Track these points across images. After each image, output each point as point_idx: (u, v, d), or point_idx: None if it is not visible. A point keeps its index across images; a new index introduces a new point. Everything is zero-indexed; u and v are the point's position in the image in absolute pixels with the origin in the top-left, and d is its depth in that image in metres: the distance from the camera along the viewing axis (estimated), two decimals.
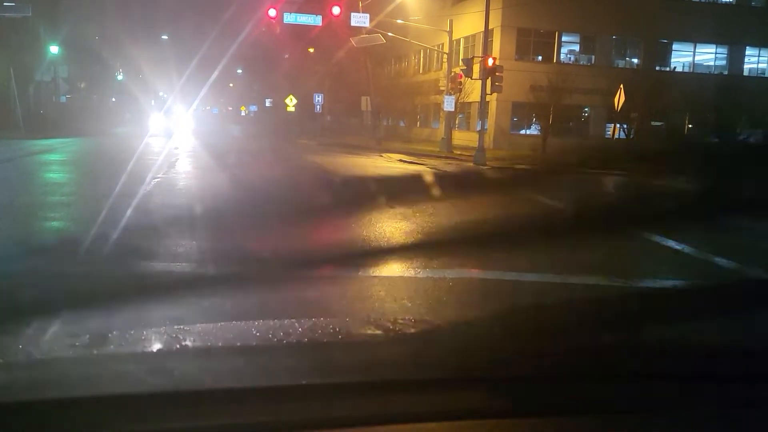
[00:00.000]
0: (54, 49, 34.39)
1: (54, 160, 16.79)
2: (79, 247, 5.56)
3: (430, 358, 1.18)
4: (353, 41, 27.08)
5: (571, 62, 31.98)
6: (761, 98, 28.09)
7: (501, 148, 28.44)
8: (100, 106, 46.16)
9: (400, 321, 1.52)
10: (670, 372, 1.19)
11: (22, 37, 32.09)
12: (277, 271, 3.93)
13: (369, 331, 1.47)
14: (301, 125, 42.18)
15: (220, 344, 1.18)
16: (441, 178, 15.94)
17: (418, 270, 5.30)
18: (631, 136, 28.98)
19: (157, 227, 6.78)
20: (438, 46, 31.51)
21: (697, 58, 33.52)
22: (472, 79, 24.22)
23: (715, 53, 33.46)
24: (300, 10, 27.25)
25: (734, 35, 31.23)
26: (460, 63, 27.46)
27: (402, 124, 42.34)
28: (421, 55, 39.88)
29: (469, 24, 29.62)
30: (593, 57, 32.19)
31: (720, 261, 6.14)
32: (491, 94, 23.04)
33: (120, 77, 49.88)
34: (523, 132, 31.58)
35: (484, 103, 22.64)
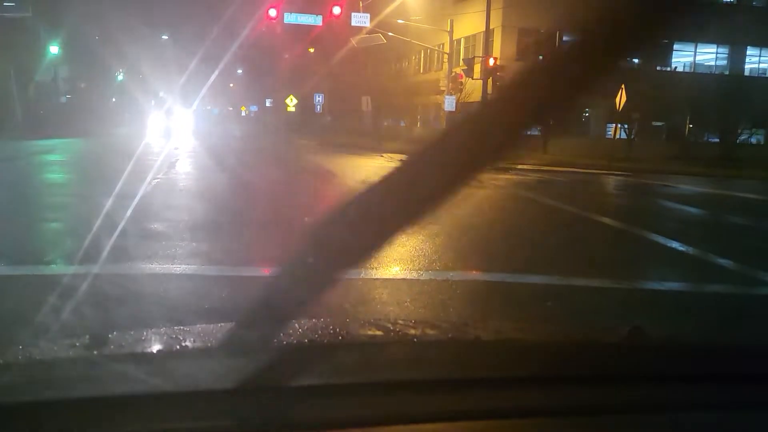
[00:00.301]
0: (54, 49, 34.41)
1: (54, 160, 16.80)
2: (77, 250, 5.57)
3: (430, 358, 1.18)
4: (354, 41, 27.10)
5: None
6: (762, 98, 28.05)
7: None
8: (101, 106, 46.14)
9: (401, 322, 1.51)
10: (670, 372, 1.19)
11: (22, 37, 32.09)
12: (278, 271, 3.93)
13: (369, 332, 1.47)
14: (301, 125, 42.19)
15: (220, 344, 1.18)
16: None
17: (421, 272, 5.31)
18: (632, 137, 29.00)
19: (157, 228, 6.79)
20: (438, 46, 31.52)
21: (698, 58, 33.53)
22: (473, 79, 24.26)
23: (716, 53, 33.46)
24: (300, 10, 27.27)
25: (735, 35, 31.22)
26: (461, 63, 27.48)
27: (402, 124, 42.36)
28: (422, 55, 39.91)
29: (469, 24, 29.63)
30: None
31: None
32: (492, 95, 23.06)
33: (120, 77, 49.90)
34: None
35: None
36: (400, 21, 28.53)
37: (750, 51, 33.52)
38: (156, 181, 11.31)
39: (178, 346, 1.17)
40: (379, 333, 1.41)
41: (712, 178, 20.69)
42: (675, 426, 1.09)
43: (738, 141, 30.38)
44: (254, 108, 69.96)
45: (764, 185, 18.95)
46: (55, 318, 3.28)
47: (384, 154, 24.00)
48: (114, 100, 53.09)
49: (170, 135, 26.71)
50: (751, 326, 4.08)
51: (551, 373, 1.14)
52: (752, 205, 14.49)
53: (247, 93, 68.59)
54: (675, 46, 33.10)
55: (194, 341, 1.21)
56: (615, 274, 5.51)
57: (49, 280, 4.53)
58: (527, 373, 1.14)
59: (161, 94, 49.61)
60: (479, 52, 26.10)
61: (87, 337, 1.18)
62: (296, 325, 1.30)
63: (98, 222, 6.63)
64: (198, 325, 1.37)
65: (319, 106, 40.40)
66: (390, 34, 26.73)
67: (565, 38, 0.78)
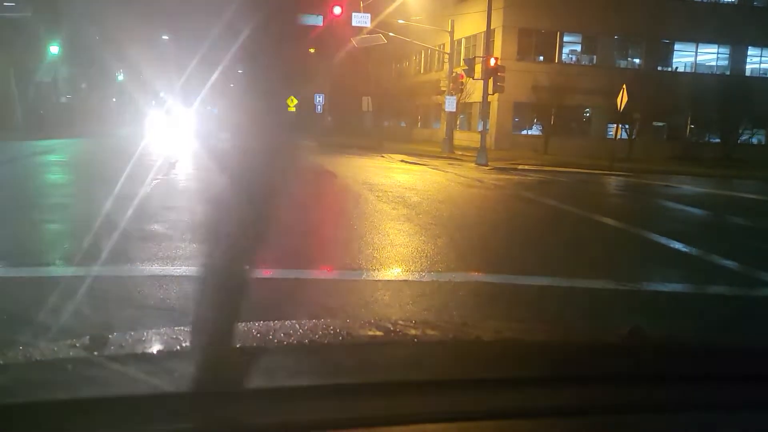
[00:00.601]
0: (54, 50, 34.39)
1: (54, 161, 16.80)
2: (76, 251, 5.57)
3: (430, 359, 1.18)
4: (354, 41, 27.10)
5: (572, 62, 32.01)
6: (763, 99, 28.07)
7: (503, 149, 28.48)
8: (101, 106, 46.17)
9: (401, 322, 1.51)
10: (670, 372, 1.19)
11: (22, 38, 32.11)
12: (278, 272, 3.93)
13: (370, 333, 1.47)
14: (301, 125, 42.11)
15: (218, 345, 1.18)
16: (445, 178, 15.93)
17: (422, 273, 5.30)
18: (633, 137, 29.01)
19: (157, 229, 6.79)
20: (439, 46, 31.52)
21: (699, 58, 33.52)
22: (473, 79, 24.26)
23: (717, 53, 33.45)
24: (300, 11, 27.24)
25: (736, 35, 31.22)
26: (462, 63, 27.49)
27: (403, 124, 42.37)
28: (423, 55, 39.93)
29: (470, 24, 29.63)
30: (595, 57, 32.19)
31: None
32: (493, 95, 23.04)
33: (120, 78, 49.89)
34: (524, 132, 31.61)
35: (485, 104, 22.64)
36: (400, 21, 28.54)
37: (751, 51, 33.52)
38: (156, 181, 11.30)
39: (178, 347, 1.17)
40: (379, 333, 1.41)
41: (713, 179, 20.70)
42: (675, 426, 1.09)
43: (739, 141, 30.39)
44: None
45: (765, 185, 18.95)
46: (54, 318, 3.28)
47: (385, 155, 24.03)
48: (114, 100, 53.11)
49: (170, 135, 26.71)
50: (751, 326, 4.08)
51: (551, 373, 1.14)
52: (753, 205, 14.50)
53: (247, 93, 68.44)
54: (676, 47, 33.12)
55: (194, 341, 1.21)
56: (617, 275, 5.51)
57: (49, 281, 4.54)
58: (527, 373, 1.14)
59: (161, 94, 49.60)
60: (480, 52, 26.09)
61: (87, 338, 1.18)
62: (297, 325, 1.30)
63: (98, 223, 6.63)
64: (198, 325, 1.37)
65: (319, 107, 40.39)
66: (391, 34, 26.74)
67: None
